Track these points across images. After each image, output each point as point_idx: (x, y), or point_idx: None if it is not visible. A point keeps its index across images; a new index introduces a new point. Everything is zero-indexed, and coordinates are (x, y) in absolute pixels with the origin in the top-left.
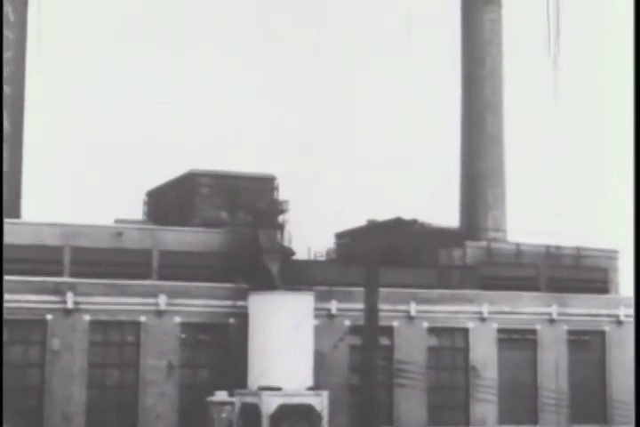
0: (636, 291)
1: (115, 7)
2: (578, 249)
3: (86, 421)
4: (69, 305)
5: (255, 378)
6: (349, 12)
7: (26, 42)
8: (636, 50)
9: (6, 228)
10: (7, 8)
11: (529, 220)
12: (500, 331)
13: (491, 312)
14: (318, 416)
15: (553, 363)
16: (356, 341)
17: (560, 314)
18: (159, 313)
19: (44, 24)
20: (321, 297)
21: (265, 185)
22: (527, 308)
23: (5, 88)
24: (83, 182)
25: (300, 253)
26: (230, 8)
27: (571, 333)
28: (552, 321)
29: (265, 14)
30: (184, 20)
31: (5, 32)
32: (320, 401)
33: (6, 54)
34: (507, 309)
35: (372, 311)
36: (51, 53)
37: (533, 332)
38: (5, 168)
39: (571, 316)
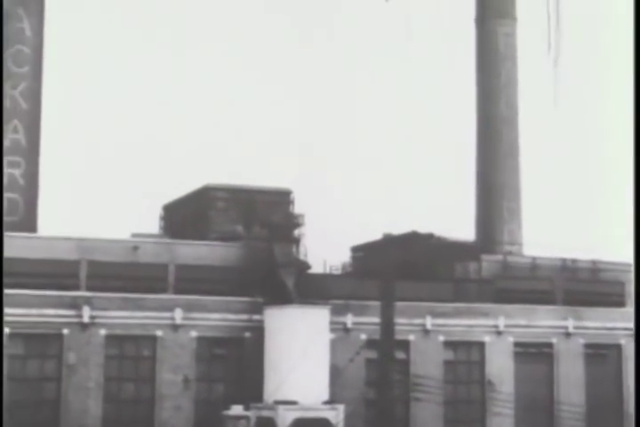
0: (637, 301)
1: (125, 21)
2: (594, 262)
3: None
4: (85, 319)
5: (271, 392)
6: (360, 25)
7: (42, 57)
8: (637, 53)
9: (22, 242)
10: (24, 24)
11: (545, 233)
12: (516, 344)
13: (507, 326)
14: None
15: (569, 377)
16: (372, 354)
17: (576, 327)
18: (175, 327)
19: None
20: (337, 311)
21: (281, 199)
22: (543, 321)
23: (22, 102)
24: (99, 197)
25: (316, 267)
26: (232, 13)
27: (587, 346)
28: (568, 335)
29: (273, 19)
30: (195, 35)
31: (22, 47)
32: (336, 415)
33: (23, 69)
34: (523, 322)
35: (388, 325)
36: (67, 67)
37: (550, 345)
38: (22, 182)
39: (587, 329)
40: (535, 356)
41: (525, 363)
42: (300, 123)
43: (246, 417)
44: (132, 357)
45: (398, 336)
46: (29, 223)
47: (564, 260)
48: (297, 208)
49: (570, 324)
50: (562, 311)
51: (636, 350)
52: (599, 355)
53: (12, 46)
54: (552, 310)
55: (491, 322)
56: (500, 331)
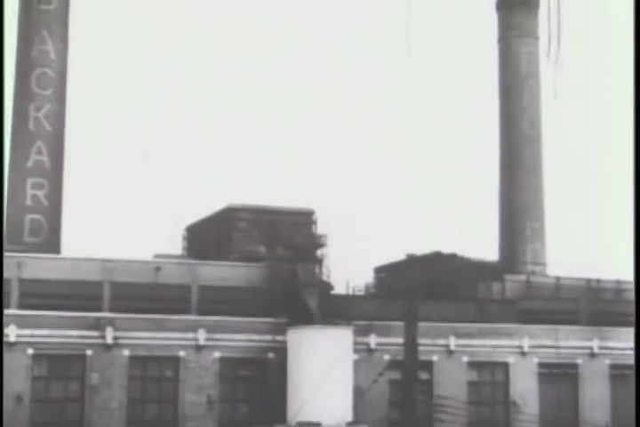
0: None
1: (148, 44)
2: (618, 282)
3: None
4: (109, 340)
5: (294, 413)
6: (382, 48)
7: (66, 79)
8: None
9: (46, 263)
10: (48, 46)
11: (569, 253)
12: (540, 365)
13: (531, 346)
14: None
15: (594, 397)
16: (396, 375)
17: (601, 348)
18: (198, 348)
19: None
20: (360, 332)
21: (303, 219)
22: (568, 342)
23: (45, 124)
24: (122, 218)
25: (339, 288)
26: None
27: (612, 367)
28: (593, 355)
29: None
30: (218, 57)
31: (46, 69)
32: None
33: (46, 91)
34: (547, 343)
35: (411, 346)
36: (90, 89)
37: (574, 366)
38: (45, 203)
39: (612, 350)
40: (560, 376)
41: (550, 384)
42: (324, 143)
43: None
44: (155, 378)
45: (422, 357)
46: (53, 244)
47: (588, 280)
48: (320, 228)
49: (595, 344)
50: (587, 332)
51: (636, 351)
52: (624, 375)
53: (36, 69)
54: (577, 331)
55: (515, 342)
56: (524, 351)
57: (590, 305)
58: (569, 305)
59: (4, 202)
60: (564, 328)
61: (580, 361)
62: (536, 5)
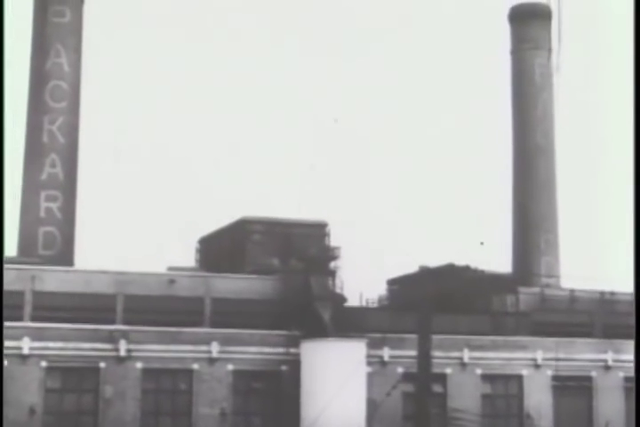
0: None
1: (161, 57)
2: (633, 295)
3: None
4: (122, 353)
5: (308, 426)
6: (396, 58)
7: (80, 92)
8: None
9: (59, 276)
10: (62, 59)
11: (583, 265)
12: (554, 378)
13: (545, 359)
14: None
15: (609, 410)
16: (409, 388)
17: (616, 361)
18: (212, 361)
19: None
20: (373, 344)
21: (316, 231)
22: (582, 354)
23: (59, 137)
24: (135, 230)
25: (352, 300)
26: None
27: (627, 380)
28: (608, 368)
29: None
30: (230, 73)
31: (59, 82)
32: None
33: (60, 104)
34: (561, 355)
35: (425, 358)
36: (104, 101)
37: (589, 379)
38: (59, 216)
39: (627, 362)
40: (574, 389)
41: (564, 396)
42: (336, 156)
43: None
44: (168, 390)
45: (435, 369)
46: (66, 257)
47: (602, 292)
48: (333, 240)
49: (609, 357)
50: (601, 344)
51: (637, 354)
52: None
53: (50, 81)
54: (591, 343)
55: (529, 355)
56: (538, 364)
57: (605, 318)
58: (583, 318)
59: (4, 213)
60: (578, 341)
61: (594, 374)
62: (549, 17)
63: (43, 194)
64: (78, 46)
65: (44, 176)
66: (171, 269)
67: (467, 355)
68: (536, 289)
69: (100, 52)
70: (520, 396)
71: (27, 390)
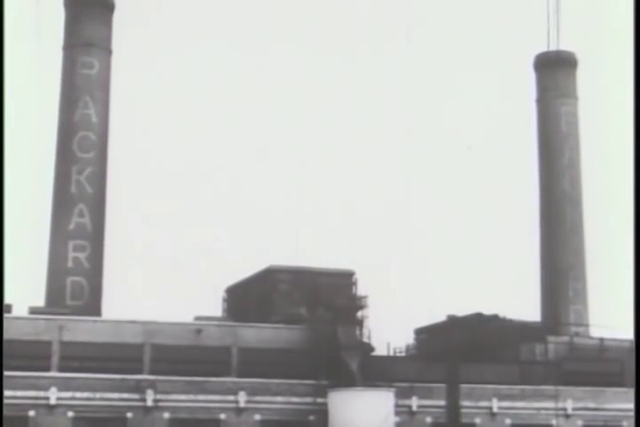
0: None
1: (184, 106)
2: None
3: None
4: (149, 403)
5: None
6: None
7: (107, 142)
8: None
9: (87, 326)
10: (90, 110)
11: (612, 314)
12: None
13: (575, 409)
14: None
15: None
16: None
17: None
18: (239, 410)
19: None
20: (402, 393)
21: (343, 280)
22: (612, 404)
23: (87, 187)
24: (162, 279)
25: (380, 349)
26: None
27: None
28: None
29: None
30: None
31: (87, 133)
32: None
33: (88, 154)
34: (591, 405)
35: (453, 408)
36: (131, 152)
37: None
38: (87, 266)
39: None
40: None
41: None
42: (363, 203)
43: None
44: None
45: (464, 419)
46: (94, 307)
47: (632, 341)
48: (360, 289)
49: None
50: (631, 394)
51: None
52: None
53: (79, 132)
54: (621, 393)
55: (559, 405)
56: (568, 414)
57: (635, 366)
58: (613, 367)
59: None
60: (608, 390)
61: (625, 424)
62: (574, 65)
63: (71, 244)
64: (106, 97)
65: (71, 226)
66: (198, 318)
67: (496, 404)
68: (565, 338)
69: (128, 101)
70: None
71: None
